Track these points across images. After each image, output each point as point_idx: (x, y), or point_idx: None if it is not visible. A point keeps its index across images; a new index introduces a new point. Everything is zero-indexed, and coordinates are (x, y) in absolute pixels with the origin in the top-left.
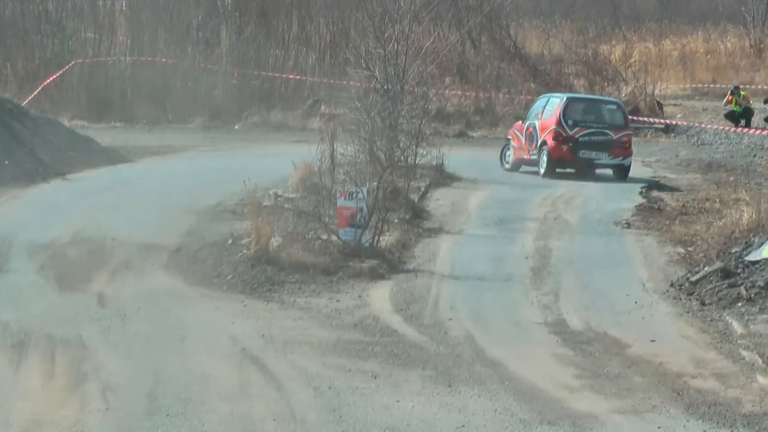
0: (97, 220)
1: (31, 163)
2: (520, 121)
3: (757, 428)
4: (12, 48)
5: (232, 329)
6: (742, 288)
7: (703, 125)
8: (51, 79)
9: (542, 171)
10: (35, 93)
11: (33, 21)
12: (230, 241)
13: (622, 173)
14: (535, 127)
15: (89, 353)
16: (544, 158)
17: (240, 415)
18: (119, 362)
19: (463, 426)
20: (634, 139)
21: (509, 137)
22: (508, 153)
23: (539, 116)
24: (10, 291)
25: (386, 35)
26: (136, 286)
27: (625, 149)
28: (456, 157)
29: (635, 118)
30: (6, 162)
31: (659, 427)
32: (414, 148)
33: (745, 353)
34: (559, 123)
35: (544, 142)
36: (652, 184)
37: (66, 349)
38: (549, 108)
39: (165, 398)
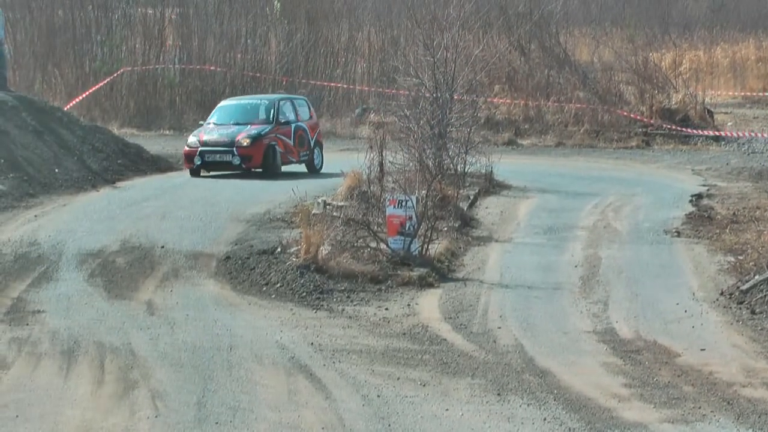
0: (145, 228)
1: (81, 171)
2: None
3: None
4: (62, 56)
5: (281, 337)
6: None
7: (754, 134)
8: (100, 85)
9: None
10: (83, 101)
11: (83, 29)
12: (279, 249)
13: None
14: None
15: (138, 361)
16: None
17: (288, 424)
18: (168, 370)
19: None
20: (683, 147)
21: None
22: None
23: None
24: (60, 299)
25: (435, 43)
26: (184, 294)
27: None
28: (505, 165)
29: (684, 129)
30: (56, 170)
31: None
32: (463, 156)
33: None
34: None
35: None
36: (703, 193)
37: (115, 357)
38: None
39: (214, 406)
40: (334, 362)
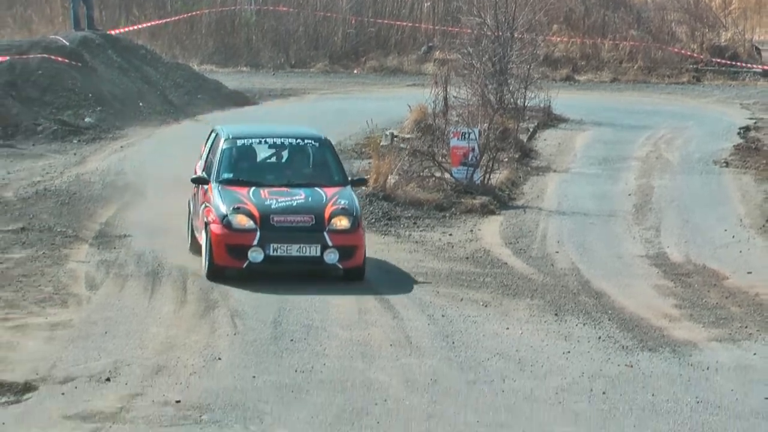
0: None
1: (163, 105)
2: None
3: None
4: None
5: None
6: None
7: None
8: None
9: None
10: (165, 39)
11: None
12: (350, 179)
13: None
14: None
15: (217, 282)
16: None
17: (358, 341)
18: (246, 291)
19: (569, 352)
20: (732, 83)
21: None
22: None
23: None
24: (147, 224)
25: None
26: None
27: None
28: (563, 100)
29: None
30: (140, 104)
31: (755, 354)
32: (523, 91)
33: None
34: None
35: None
36: (750, 126)
37: (196, 279)
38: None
39: (288, 324)
40: (401, 285)
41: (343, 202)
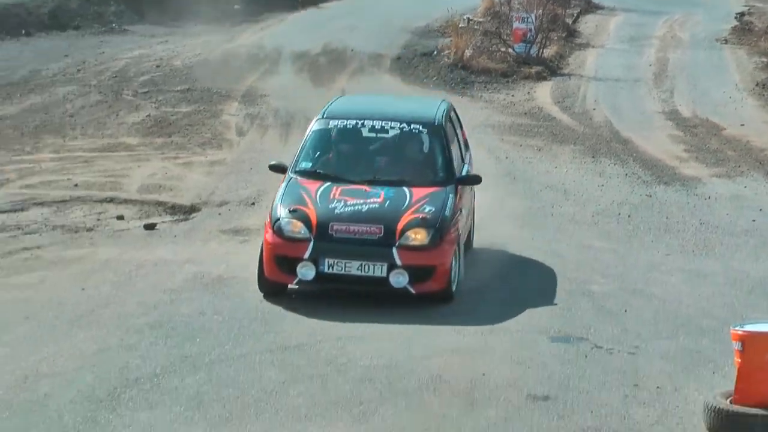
0: (339, 37)
1: None
2: None
3: None
4: None
5: None
6: None
7: None
8: None
9: None
10: None
11: None
12: (435, 52)
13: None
14: None
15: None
16: None
17: None
18: None
19: (602, 185)
20: None
21: None
22: None
23: None
24: (281, 86)
25: None
26: (368, 84)
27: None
28: None
29: None
30: None
31: (746, 187)
32: None
33: None
34: None
35: None
36: (745, 11)
37: None
38: None
39: None
40: (475, 133)
41: (428, 209)
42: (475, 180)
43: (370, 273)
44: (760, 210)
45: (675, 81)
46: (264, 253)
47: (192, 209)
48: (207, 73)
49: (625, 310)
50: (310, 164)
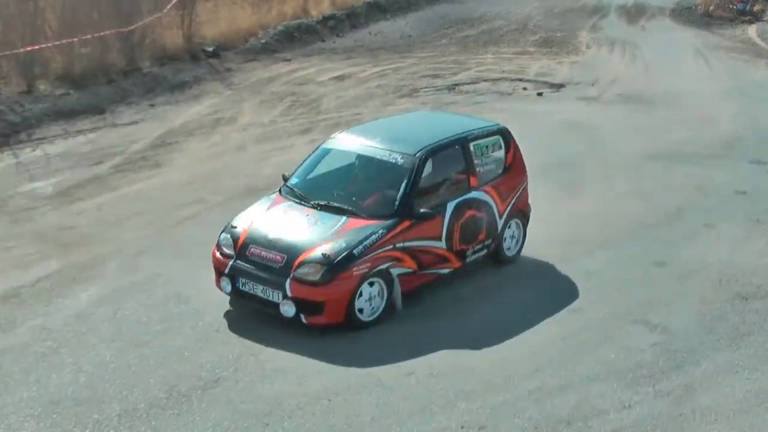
0: None
1: None
2: None
3: None
4: None
5: (694, 41)
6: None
7: None
8: None
9: None
10: None
11: None
12: (693, 6)
13: None
14: None
15: (638, 50)
16: None
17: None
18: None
19: None
20: None
21: None
22: None
23: None
24: (608, 25)
25: None
26: (656, 23)
27: None
28: None
29: None
30: None
31: None
32: None
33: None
34: None
35: None
36: None
37: (627, 45)
38: None
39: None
40: (714, 53)
41: (336, 245)
42: (429, 216)
43: (269, 298)
44: None
45: None
46: (213, 260)
47: (561, 86)
48: (572, 17)
49: None
50: (297, 181)
